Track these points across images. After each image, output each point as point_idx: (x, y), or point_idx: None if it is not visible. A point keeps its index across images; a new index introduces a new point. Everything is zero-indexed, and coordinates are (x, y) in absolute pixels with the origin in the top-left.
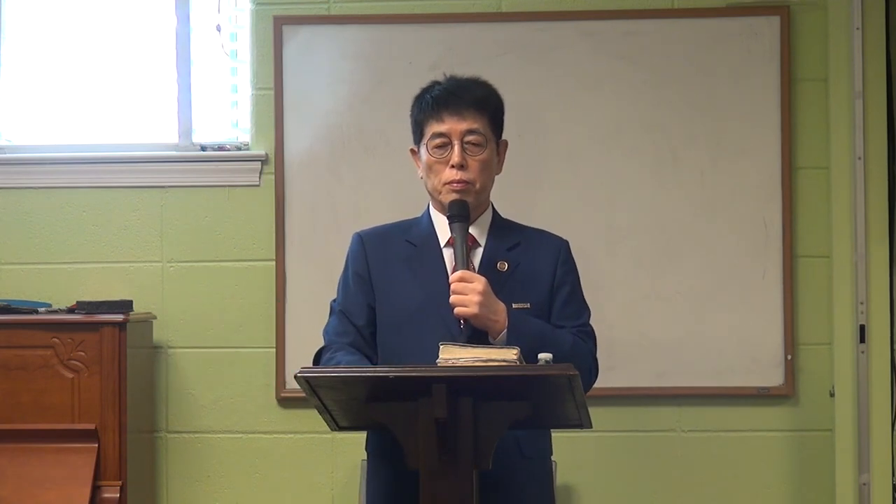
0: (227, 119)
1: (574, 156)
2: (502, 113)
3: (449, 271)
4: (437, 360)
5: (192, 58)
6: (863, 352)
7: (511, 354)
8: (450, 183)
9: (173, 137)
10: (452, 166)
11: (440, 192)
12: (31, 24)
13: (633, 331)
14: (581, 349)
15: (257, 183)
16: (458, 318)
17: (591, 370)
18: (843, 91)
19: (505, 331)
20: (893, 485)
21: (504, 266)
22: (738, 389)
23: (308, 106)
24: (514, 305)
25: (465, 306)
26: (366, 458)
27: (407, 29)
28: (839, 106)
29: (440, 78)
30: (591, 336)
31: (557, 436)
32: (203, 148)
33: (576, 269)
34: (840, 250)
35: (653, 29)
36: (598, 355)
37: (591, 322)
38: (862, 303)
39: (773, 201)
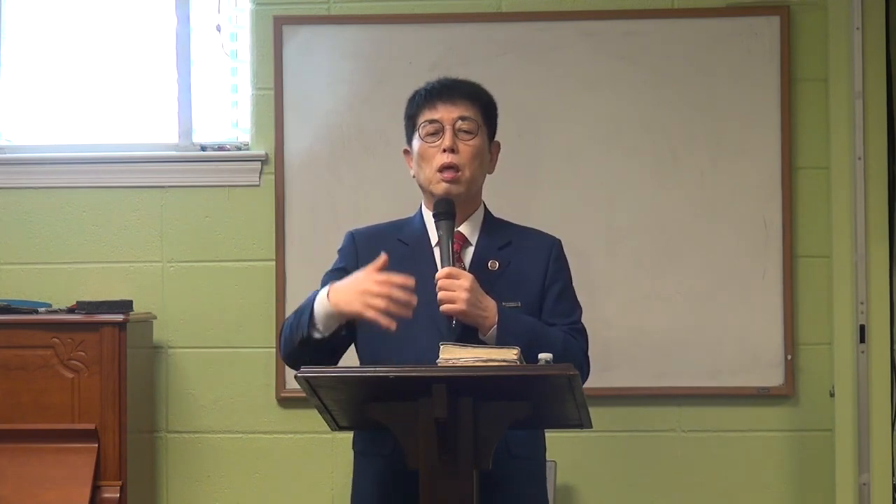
0: (227, 119)
1: (574, 156)
2: (495, 111)
3: (439, 270)
4: (437, 360)
5: (192, 58)
6: (863, 352)
7: (511, 354)
8: (441, 170)
9: (173, 137)
10: (444, 150)
11: (431, 182)
12: (31, 24)
13: (633, 331)
14: (572, 347)
15: (257, 183)
16: (447, 316)
17: (583, 368)
18: (843, 91)
19: (495, 327)
20: (893, 485)
21: (495, 265)
22: (738, 389)
23: (308, 106)
24: (504, 304)
25: (453, 303)
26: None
27: (407, 29)
28: (839, 106)
29: (435, 79)
30: (582, 334)
31: (558, 436)
32: (203, 148)
33: (568, 268)
34: (840, 250)
35: (653, 29)
36: (597, 354)
37: (590, 321)
38: (862, 303)
39: (773, 201)
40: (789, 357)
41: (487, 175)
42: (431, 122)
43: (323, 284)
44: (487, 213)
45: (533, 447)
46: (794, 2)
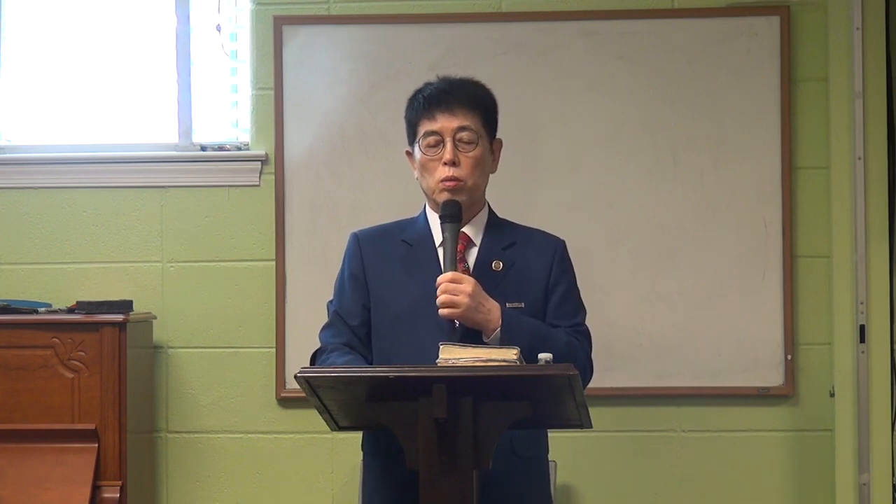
0: (227, 119)
1: (574, 156)
2: (495, 111)
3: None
4: (437, 360)
5: (192, 58)
6: (863, 352)
7: (511, 354)
8: (443, 181)
9: (173, 137)
10: (445, 163)
11: (434, 192)
12: (31, 24)
13: (634, 331)
14: (575, 349)
15: (257, 183)
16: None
17: (586, 370)
18: (843, 91)
19: (499, 330)
20: (893, 485)
21: (499, 265)
22: (738, 389)
23: (308, 106)
24: (508, 305)
25: (454, 307)
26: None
27: (407, 29)
28: (839, 106)
29: (433, 79)
30: (585, 336)
31: (558, 436)
32: (203, 148)
33: (572, 269)
34: (840, 250)
35: (653, 29)
36: (597, 355)
37: (591, 322)
38: (862, 303)
39: (773, 201)
40: (789, 357)
41: (490, 174)
42: (431, 133)
43: (337, 292)
44: (492, 213)
45: (537, 447)
46: (794, 2)
